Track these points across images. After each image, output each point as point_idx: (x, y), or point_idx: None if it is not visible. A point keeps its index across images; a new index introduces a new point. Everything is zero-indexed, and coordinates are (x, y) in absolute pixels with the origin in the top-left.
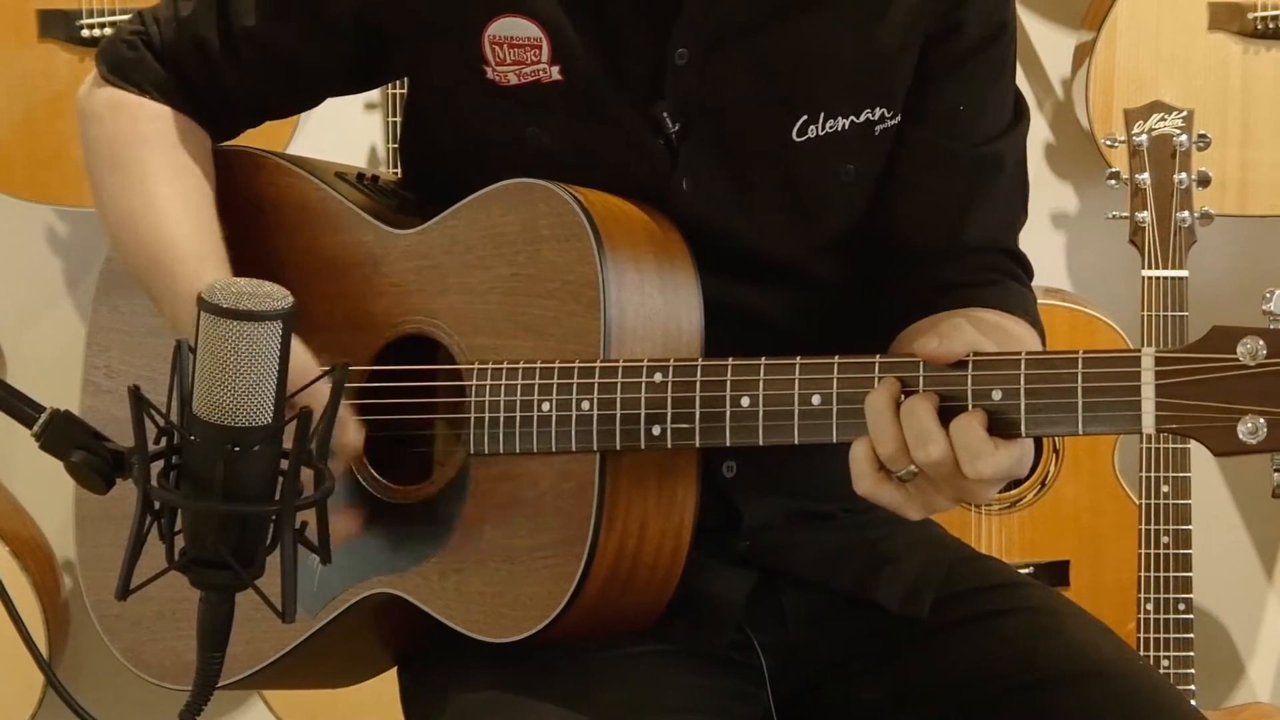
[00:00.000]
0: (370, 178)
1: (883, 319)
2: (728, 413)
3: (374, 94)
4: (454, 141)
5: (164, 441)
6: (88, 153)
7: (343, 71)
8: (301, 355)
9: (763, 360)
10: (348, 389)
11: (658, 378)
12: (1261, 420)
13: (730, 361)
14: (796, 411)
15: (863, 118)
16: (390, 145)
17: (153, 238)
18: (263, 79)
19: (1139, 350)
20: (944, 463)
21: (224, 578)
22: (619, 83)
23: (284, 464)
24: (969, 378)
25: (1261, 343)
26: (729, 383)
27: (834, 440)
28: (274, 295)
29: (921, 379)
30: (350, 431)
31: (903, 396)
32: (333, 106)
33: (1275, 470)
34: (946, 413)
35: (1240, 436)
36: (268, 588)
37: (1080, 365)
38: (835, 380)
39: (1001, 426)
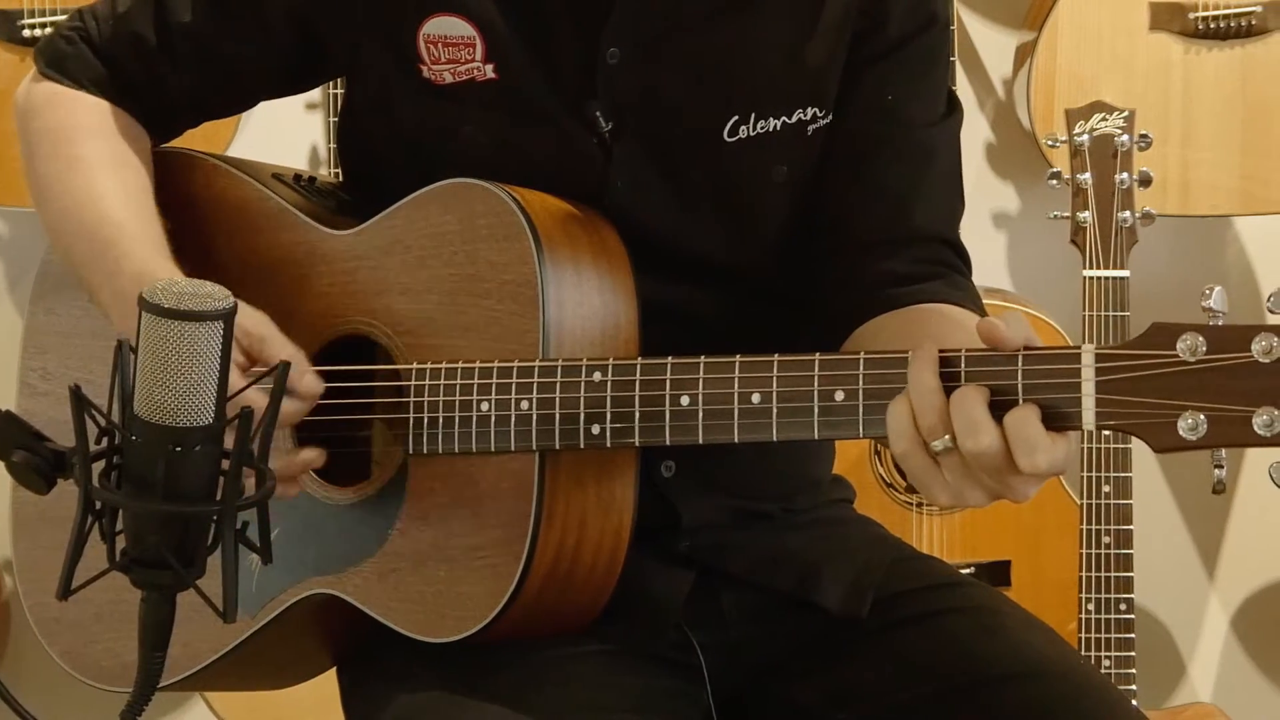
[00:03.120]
0: (307, 179)
1: (831, 316)
2: (667, 412)
3: (315, 94)
4: (391, 141)
5: (105, 441)
6: (25, 145)
7: (279, 70)
8: (270, 328)
9: (702, 359)
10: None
11: (597, 377)
12: (1202, 417)
13: (669, 360)
14: (736, 410)
15: (794, 118)
16: (331, 145)
17: (91, 225)
18: (199, 76)
19: (1079, 347)
20: (991, 454)
21: (165, 578)
22: (552, 82)
23: (225, 464)
24: (1019, 372)
25: (1201, 339)
26: (668, 381)
27: (774, 439)
28: (215, 295)
29: (964, 373)
30: (308, 379)
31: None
32: (273, 106)
33: (1215, 466)
34: (995, 406)
35: (1180, 433)
36: (208, 588)
37: (1020, 363)
38: (775, 379)
39: (1054, 416)
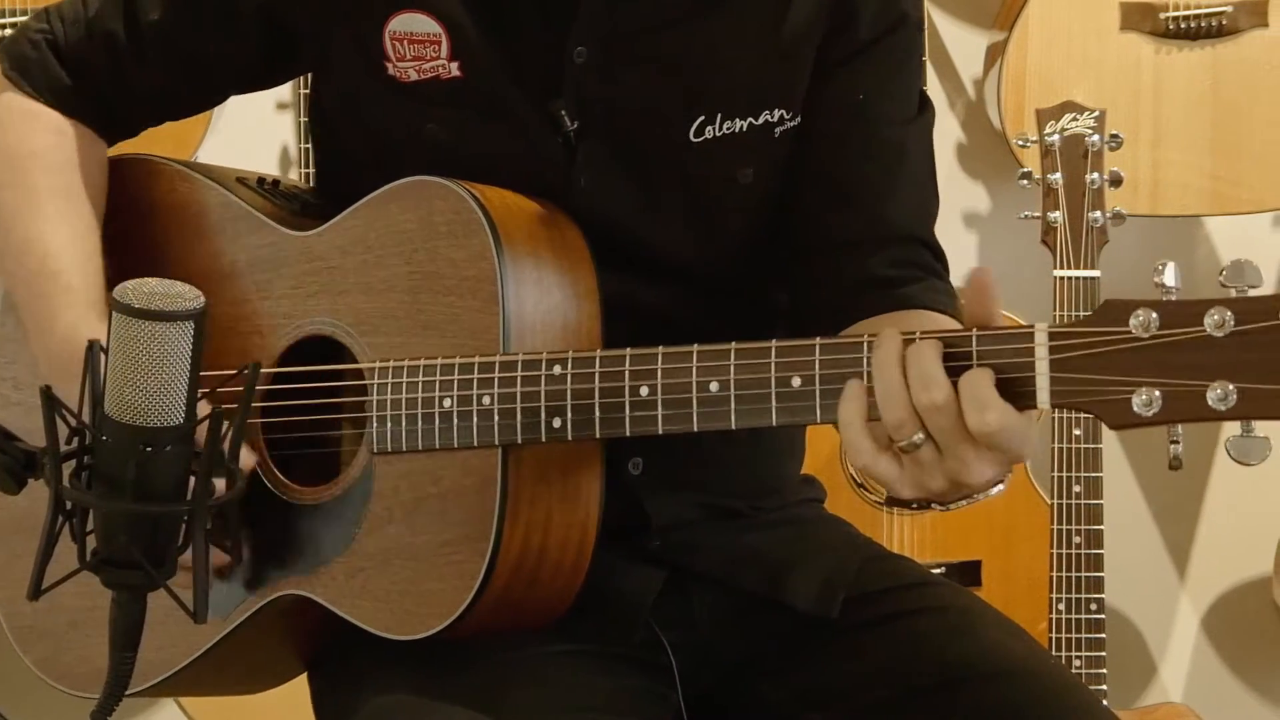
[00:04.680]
0: (271, 182)
1: (810, 317)
2: (627, 403)
3: (285, 94)
4: (357, 140)
5: (76, 442)
6: None
7: (248, 66)
8: None
9: (660, 349)
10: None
11: (557, 370)
12: (1156, 392)
13: (628, 352)
14: (695, 399)
15: (761, 119)
16: (301, 145)
17: (32, 271)
18: (169, 73)
19: (1032, 326)
20: (947, 410)
21: (135, 578)
22: (517, 80)
23: (196, 464)
24: (974, 353)
25: (1154, 314)
26: (627, 373)
27: (733, 426)
28: (185, 295)
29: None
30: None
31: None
32: (244, 106)
33: (1172, 442)
34: (952, 371)
35: (1135, 409)
36: (178, 589)
37: (974, 343)
38: (732, 367)
39: (1009, 396)
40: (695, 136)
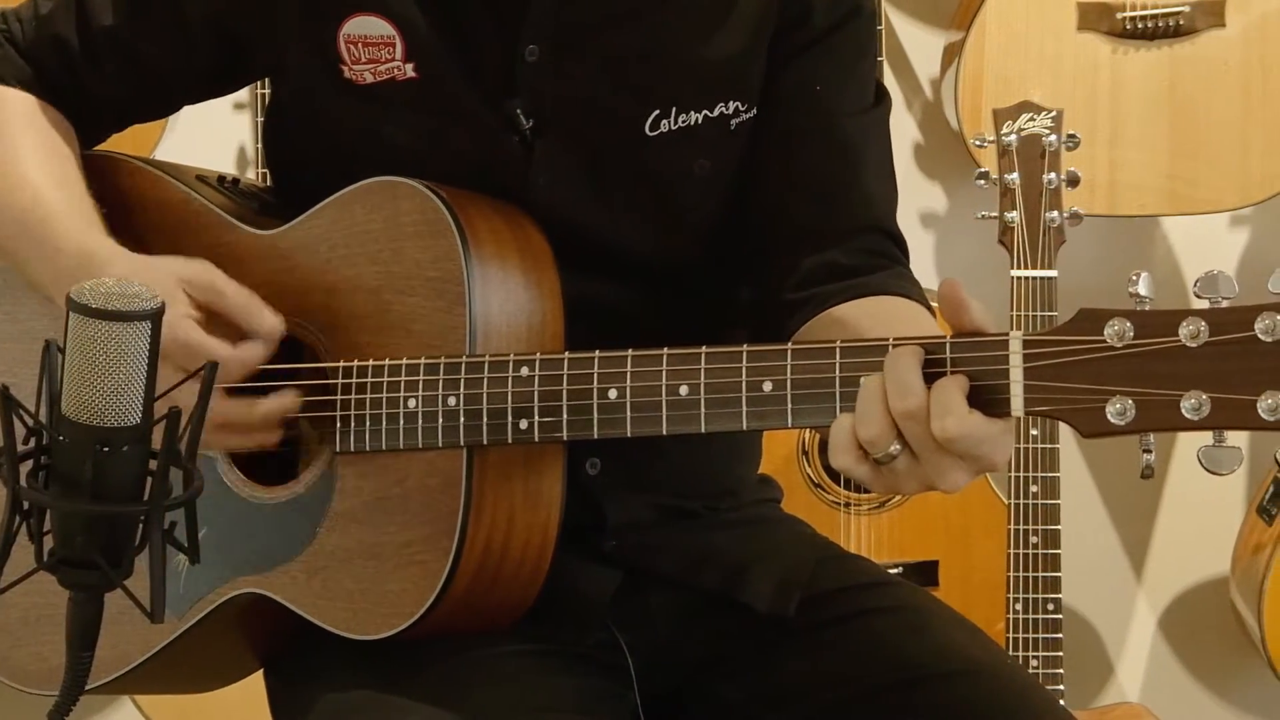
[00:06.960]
0: (231, 180)
1: (775, 311)
2: (595, 405)
3: (243, 94)
4: (314, 141)
5: (33, 441)
6: None
7: (202, 73)
8: (215, 272)
9: (630, 352)
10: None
11: (524, 371)
12: (1130, 401)
13: (597, 354)
14: (664, 402)
15: (716, 112)
16: (258, 145)
17: (24, 208)
18: (121, 79)
19: (1006, 334)
20: (919, 417)
21: (93, 578)
22: (472, 80)
23: (153, 464)
24: (948, 360)
25: (1129, 324)
26: (596, 375)
27: (703, 430)
28: (142, 295)
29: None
30: (268, 318)
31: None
32: (201, 105)
33: (1144, 451)
34: (928, 378)
35: (1109, 418)
36: (135, 588)
37: (948, 350)
38: (703, 371)
39: (982, 403)
40: (651, 130)
